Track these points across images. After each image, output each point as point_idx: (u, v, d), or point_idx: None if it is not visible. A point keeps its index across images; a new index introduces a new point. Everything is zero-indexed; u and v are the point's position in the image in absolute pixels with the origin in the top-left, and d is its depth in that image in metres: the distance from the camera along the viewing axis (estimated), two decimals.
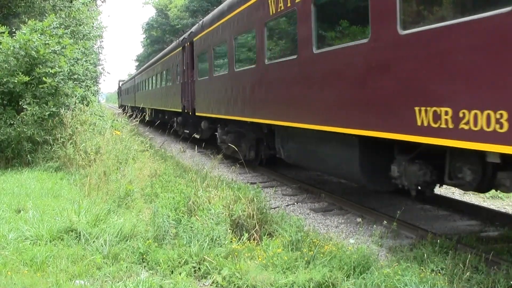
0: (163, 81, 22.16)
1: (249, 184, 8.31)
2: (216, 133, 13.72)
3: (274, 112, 8.41)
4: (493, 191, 7.04)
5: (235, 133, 11.41)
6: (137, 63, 72.26)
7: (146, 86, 29.56)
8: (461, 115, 4.16)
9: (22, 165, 10.27)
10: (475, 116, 4.01)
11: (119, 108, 55.10)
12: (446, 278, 4.33)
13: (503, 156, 4.22)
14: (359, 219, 6.97)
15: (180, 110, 16.90)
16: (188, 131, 16.20)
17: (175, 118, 18.95)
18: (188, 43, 15.85)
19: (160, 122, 20.67)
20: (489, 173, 4.83)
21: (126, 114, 14.77)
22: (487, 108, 3.92)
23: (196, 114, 14.51)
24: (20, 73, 10.53)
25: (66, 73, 11.25)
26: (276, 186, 9.50)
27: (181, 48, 17.27)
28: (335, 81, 6.43)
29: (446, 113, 4.35)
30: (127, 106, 38.53)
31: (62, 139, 10.57)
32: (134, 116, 13.21)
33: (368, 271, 4.45)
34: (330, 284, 4.30)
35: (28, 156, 10.41)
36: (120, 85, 56.23)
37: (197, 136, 14.21)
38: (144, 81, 30.82)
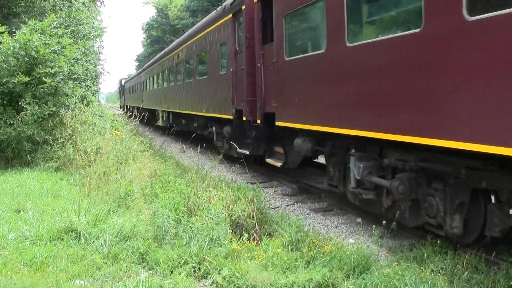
0: (191, 73, 15.54)
1: (249, 184, 8.32)
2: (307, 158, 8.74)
3: None
4: None
5: (412, 174, 5.41)
6: (137, 63, 72.25)
7: (160, 82, 22.85)
8: None
9: (22, 165, 10.27)
10: None
11: (120, 108, 50.58)
12: (446, 278, 4.33)
13: None
14: (359, 219, 6.96)
15: (231, 117, 10.81)
16: (248, 152, 10.03)
17: (214, 128, 12.66)
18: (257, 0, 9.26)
19: (184, 131, 15.25)
20: None
21: (126, 115, 14.49)
22: None
23: (278, 124, 8.34)
24: (20, 73, 10.53)
25: (66, 73, 11.25)
26: (276, 186, 9.50)
27: (231, 15, 10.81)
28: None
29: None
30: (130, 107, 33.00)
31: (62, 139, 10.58)
32: (133, 116, 13.08)
33: (368, 271, 4.45)
34: (330, 284, 4.31)
35: (28, 156, 10.41)
36: (123, 83, 49.49)
37: (278, 164, 8.86)
38: (156, 76, 24.08)
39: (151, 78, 26.50)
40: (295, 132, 8.03)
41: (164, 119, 22.06)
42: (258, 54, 9.17)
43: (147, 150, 11.26)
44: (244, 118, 9.99)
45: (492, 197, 4.59)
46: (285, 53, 7.92)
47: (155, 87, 24.70)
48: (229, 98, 10.95)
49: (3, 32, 11.01)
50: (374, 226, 6.18)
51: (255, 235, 5.62)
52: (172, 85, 19.20)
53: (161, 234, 5.24)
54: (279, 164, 8.81)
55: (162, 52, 24.10)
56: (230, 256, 4.82)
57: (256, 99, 9.38)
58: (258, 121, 9.36)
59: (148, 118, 26.37)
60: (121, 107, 51.54)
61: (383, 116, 5.38)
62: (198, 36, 14.40)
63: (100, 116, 13.53)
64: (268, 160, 9.36)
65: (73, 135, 10.68)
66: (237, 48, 10.57)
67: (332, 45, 6.33)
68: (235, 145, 10.19)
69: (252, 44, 9.55)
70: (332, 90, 6.50)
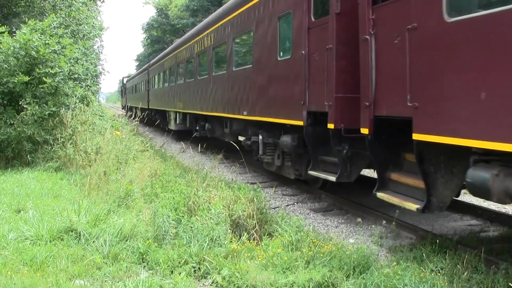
0: (222, 63, 12.07)
1: (249, 184, 8.32)
2: None
3: None
4: None
5: None
6: (137, 63, 72.27)
7: (172, 78, 19.33)
8: None
9: (22, 165, 10.27)
10: None
11: (122, 109, 46.19)
12: (445, 278, 4.33)
13: None
14: (359, 219, 6.95)
15: (300, 122, 7.44)
16: (334, 178, 6.88)
17: (260, 137, 9.29)
18: None
19: (207, 138, 12.61)
20: None
21: (126, 115, 14.29)
22: None
23: (420, 137, 4.89)
24: (20, 73, 10.53)
25: (66, 73, 11.26)
26: (276, 186, 9.49)
27: None
28: None
29: None
30: (134, 108, 30.91)
31: (62, 139, 10.58)
32: (133, 115, 12.96)
33: (368, 271, 4.45)
34: (330, 284, 4.31)
35: (28, 156, 10.41)
36: (124, 82, 46.73)
37: (412, 206, 5.22)
38: (168, 71, 20.52)
39: (161, 74, 22.63)
40: (457, 154, 4.81)
41: (178, 122, 18.24)
42: (365, 21, 5.77)
43: (147, 150, 11.25)
44: (330, 126, 6.61)
45: None
46: (444, 10, 4.50)
47: (166, 84, 20.85)
48: (296, 95, 7.56)
49: (3, 32, 11.01)
50: (374, 226, 6.19)
51: (255, 235, 5.62)
52: (191, 81, 15.58)
53: (161, 234, 5.24)
54: (415, 207, 5.10)
55: (175, 43, 20.38)
56: (230, 256, 4.82)
57: (360, 95, 5.96)
58: (364, 131, 5.78)
59: (155, 120, 24.10)
60: (122, 107, 48.23)
61: None
62: (237, 12, 10.64)
63: (100, 116, 13.51)
64: (382, 195, 5.63)
65: (73, 135, 10.68)
66: (313, 19, 7.20)
67: None
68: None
69: (350, 8, 6.38)
70: None
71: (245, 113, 9.91)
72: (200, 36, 14.50)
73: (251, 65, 9.78)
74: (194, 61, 15.37)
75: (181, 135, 18.33)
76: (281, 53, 8.40)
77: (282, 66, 8.28)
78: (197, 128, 15.13)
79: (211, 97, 12.72)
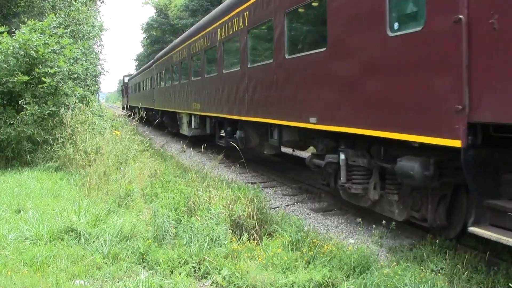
0: (262, 51, 9.49)
1: (249, 184, 8.32)
2: None
3: None
4: None
5: None
6: (137, 63, 72.31)
7: (185, 74, 16.25)
8: None
9: (22, 165, 10.27)
10: None
11: (123, 110, 42.47)
12: (446, 278, 4.34)
13: None
14: (359, 219, 6.95)
15: (455, 142, 4.20)
16: None
17: (342, 156, 6.41)
18: None
19: (234, 148, 8.92)
20: None
21: (126, 115, 14.20)
22: None
23: None
24: (20, 73, 10.53)
25: (66, 73, 11.26)
26: (276, 186, 9.50)
27: None
28: None
29: None
30: (136, 108, 22.77)
31: (62, 139, 10.58)
32: (132, 115, 12.87)
33: (368, 271, 4.46)
34: (330, 284, 4.31)
35: (28, 156, 10.42)
36: (126, 80, 43.39)
37: None
38: (179, 66, 17.38)
39: (169, 70, 19.74)
40: None
41: (193, 126, 15.38)
42: None
43: (147, 150, 11.25)
44: None
45: None
46: None
47: (176, 82, 17.92)
48: (440, 94, 4.50)
49: (2, 32, 11.02)
50: (374, 226, 6.19)
51: (255, 235, 5.62)
52: (212, 76, 12.48)
53: (161, 234, 5.25)
54: None
55: (188, 32, 17.11)
56: (230, 256, 4.82)
57: None
58: None
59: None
60: (123, 108, 44.96)
61: None
62: None
63: (100, 116, 13.51)
64: None
65: (73, 135, 10.67)
66: None
67: None
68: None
69: None
70: None
71: (313, 120, 6.89)
72: (226, 18, 11.08)
73: (324, 49, 6.60)
74: (216, 51, 12.00)
75: (180, 135, 17.84)
76: (395, 24, 5.26)
77: (399, 45, 5.12)
78: (222, 135, 12.31)
79: (245, 97, 9.68)
